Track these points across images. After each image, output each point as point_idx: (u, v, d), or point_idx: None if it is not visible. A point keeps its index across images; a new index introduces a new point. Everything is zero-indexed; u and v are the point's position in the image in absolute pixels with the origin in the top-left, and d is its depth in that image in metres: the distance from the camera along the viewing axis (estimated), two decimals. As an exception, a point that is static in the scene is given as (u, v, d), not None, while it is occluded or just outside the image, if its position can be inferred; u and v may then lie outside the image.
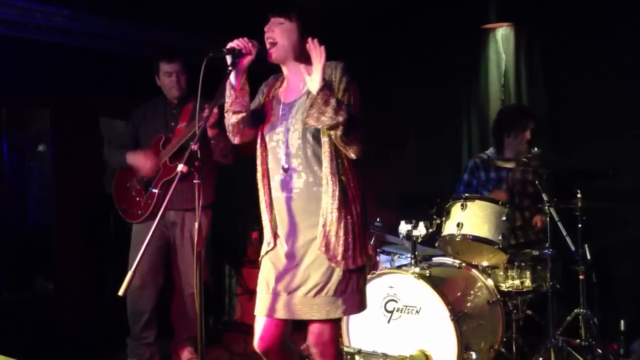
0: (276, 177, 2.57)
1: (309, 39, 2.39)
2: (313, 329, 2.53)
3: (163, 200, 3.68)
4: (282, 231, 2.58)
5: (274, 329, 2.57)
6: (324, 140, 2.47)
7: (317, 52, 2.36)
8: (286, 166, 2.52)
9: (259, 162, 2.64)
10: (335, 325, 2.55)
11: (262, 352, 2.59)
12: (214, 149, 3.61)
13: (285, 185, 2.53)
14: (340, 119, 2.34)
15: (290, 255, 2.54)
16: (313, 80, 2.36)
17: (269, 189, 2.61)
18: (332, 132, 2.39)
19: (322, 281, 2.46)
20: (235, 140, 2.64)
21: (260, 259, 2.66)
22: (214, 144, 3.52)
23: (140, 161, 3.75)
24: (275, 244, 2.59)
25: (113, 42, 4.43)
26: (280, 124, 2.56)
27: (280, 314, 2.53)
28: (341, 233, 2.46)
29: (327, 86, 2.35)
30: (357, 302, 2.54)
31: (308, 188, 2.50)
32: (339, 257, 2.45)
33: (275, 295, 2.53)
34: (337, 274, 2.47)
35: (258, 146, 2.64)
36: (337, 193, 2.45)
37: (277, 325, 2.57)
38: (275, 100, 2.63)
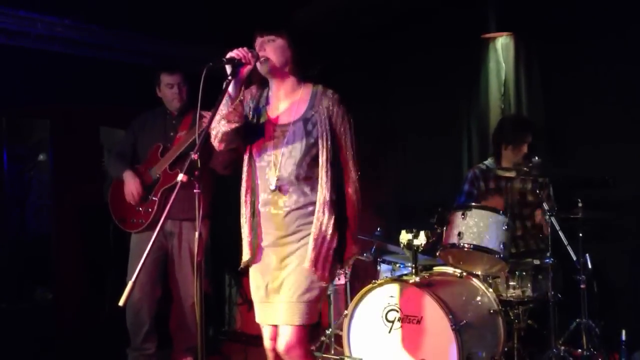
0: (263, 194, 2.65)
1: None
2: (285, 335, 2.61)
3: (163, 208, 3.68)
4: (266, 242, 2.68)
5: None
6: (324, 170, 2.58)
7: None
8: (273, 188, 2.60)
9: (244, 177, 2.72)
10: (302, 330, 2.62)
11: (273, 354, 2.72)
12: (216, 159, 3.62)
13: (274, 203, 2.62)
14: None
15: (275, 265, 2.65)
16: None
17: (251, 203, 2.70)
18: None
19: (303, 288, 2.57)
20: (220, 146, 2.68)
21: (243, 265, 2.76)
22: (217, 154, 3.53)
23: (131, 185, 3.77)
24: (255, 255, 2.70)
25: (114, 52, 4.44)
26: (273, 145, 2.63)
27: (271, 320, 2.68)
28: (329, 256, 2.59)
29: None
30: (317, 311, 2.66)
31: (297, 208, 2.60)
32: (327, 274, 2.58)
33: (264, 303, 2.68)
34: (316, 285, 2.58)
35: (245, 162, 2.71)
36: (331, 221, 2.58)
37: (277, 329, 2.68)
38: (263, 117, 2.68)
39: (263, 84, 2.74)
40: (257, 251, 2.71)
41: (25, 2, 3.94)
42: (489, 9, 4.50)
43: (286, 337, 2.59)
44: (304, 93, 2.65)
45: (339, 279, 4.06)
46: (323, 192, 2.57)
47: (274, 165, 2.60)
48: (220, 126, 2.60)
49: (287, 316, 2.58)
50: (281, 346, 2.61)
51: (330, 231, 2.58)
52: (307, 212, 2.60)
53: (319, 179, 2.58)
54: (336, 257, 2.64)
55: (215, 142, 2.67)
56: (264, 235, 2.69)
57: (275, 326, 2.68)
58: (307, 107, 2.61)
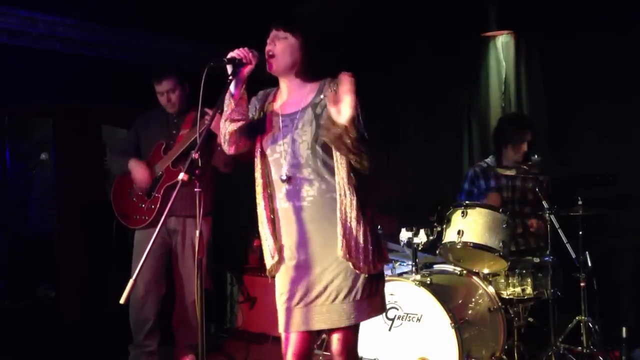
0: (283, 188, 2.53)
1: (344, 73, 2.35)
2: (339, 336, 2.50)
3: (166, 205, 3.69)
4: (290, 241, 2.53)
5: (302, 343, 2.53)
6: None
7: (348, 86, 2.30)
8: (284, 177, 2.50)
9: (258, 175, 2.60)
10: (357, 329, 2.54)
11: None
12: (217, 157, 3.64)
13: (295, 195, 2.50)
14: (359, 154, 2.37)
15: (305, 265, 2.50)
16: (341, 114, 2.30)
17: (270, 201, 2.58)
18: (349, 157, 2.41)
19: (346, 286, 2.44)
20: (231, 150, 2.60)
21: (269, 273, 2.61)
22: (219, 151, 3.55)
23: (139, 171, 3.76)
24: (281, 257, 2.56)
25: (115, 50, 4.45)
26: (283, 136, 2.53)
27: (303, 326, 2.49)
28: (361, 240, 2.44)
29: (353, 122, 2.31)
30: (379, 305, 2.54)
31: (322, 195, 2.48)
32: (361, 263, 2.43)
33: (295, 308, 2.50)
34: (362, 278, 2.45)
35: (257, 160, 2.61)
36: (354, 202, 2.44)
37: (304, 337, 2.53)
38: (272, 113, 2.60)
39: (271, 83, 2.68)
40: (280, 252, 2.55)
41: (26, 1, 3.95)
42: (489, 7, 4.51)
43: (341, 340, 2.49)
44: (313, 87, 2.57)
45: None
46: (341, 172, 2.44)
47: (287, 154, 2.51)
48: (224, 128, 2.56)
49: (339, 319, 2.44)
50: (337, 351, 2.51)
51: (355, 213, 2.43)
52: (333, 199, 2.45)
53: (334, 160, 2.45)
54: (374, 240, 2.47)
55: (226, 147, 2.60)
56: (289, 235, 2.52)
57: (302, 335, 2.51)
58: (316, 94, 2.53)
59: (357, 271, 2.43)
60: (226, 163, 3.71)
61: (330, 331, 2.53)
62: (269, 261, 2.58)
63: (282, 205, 2.54)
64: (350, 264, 2.42)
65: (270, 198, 2.58)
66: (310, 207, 2.48)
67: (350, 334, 2.51)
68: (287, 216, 2.53)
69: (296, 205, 2.50)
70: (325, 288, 2.46)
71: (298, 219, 2.50)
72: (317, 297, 2.47)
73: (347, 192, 2.43)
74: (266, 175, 2.59)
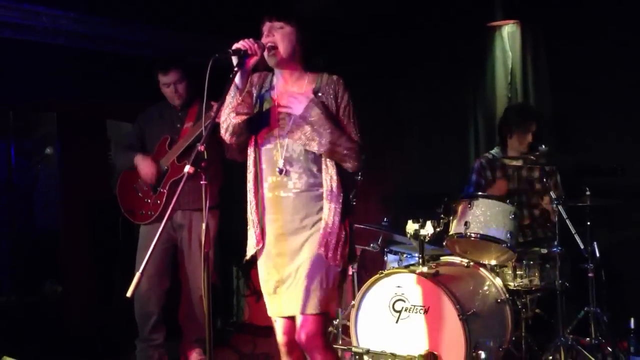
0: (270, 178, 2.63)
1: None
2: (301, 322, 2.59)
3: (172, 200, 3.69)
4: (274, 230, 2.64)
5: (292, 325, 2.64)
6: None
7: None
8: (280, 168, 2.59)
9: (250, 162, 2.69)
10: (320, 318, 2.59)
11: (287, 348, 2.68)
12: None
13: (283, 186, 2.60)
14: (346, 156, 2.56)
15: (285, 254, 2.61)
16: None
17: (259, 189, 2.67)
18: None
19: (314, 277, 2.54)
20: (232, 140, 2.67)
21: (247, 258, 2.73)
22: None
23: (146, 166, 3.75)
24: (263, 244, 2.66)
25: (119, 44, 4.43)
26: (279, 129, 2.62)
27: (278, 312, 2.65)
28: (342, 236, 2.58)
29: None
30: (336, 297, 2.64)
31: (308, 189, 2.59)
32: (338, 258, 2.56)
33: (273, 295, 2.65)
34: (331, 271, 2.56)
35: (251, 150, 2.69)
36: (341, 199, 2.57)
37: (293, 320, 2.64)
38: (267, 102, 2.67)
39: (267, 70, 2.74)
40: (263, 239, 2.66)
41: (29, -5, 3.94)
42: (494, -3, 4.48)
43: (306, 327, 2.56)
44: (310, 79, 2.66)
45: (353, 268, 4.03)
46: (329, 171, 2.58)
47: (280, 146, 2.60)
48: (230, 119, 2.60)
49: (306, 305, 2.54)
50: (302, 337, 2.57)
51: (339, 213, 2.56)
52: (317, 194, 2.59)
53: (322, 158, 2.59)
54: (351, 239, 2.62)
55: (227, 136, 2.65)
56: (273, 223, 2.63)
57: (290, 318, 2.64)
58: (314, 91, 2.62)
59: (331, 263, 2.55)
60: (241, 149, 3.69)
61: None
62: (251, 247, 2.69)
63: (270, 194, 2.64)
64: (324, 256, 2.54)
65: (259, 186, 2.67)
66: (295, 198, 2.59)
67: (312, 321, 2.56)
68: (273, 205, 2.62)
69: (282, 196, 2.60)
70: (297, 277, 2.57)
71: (283, 209, 2.60)
72: (289, 285, 2.59)
73: (335, 189, 2.57)
74: (257, 164, 2.67)
